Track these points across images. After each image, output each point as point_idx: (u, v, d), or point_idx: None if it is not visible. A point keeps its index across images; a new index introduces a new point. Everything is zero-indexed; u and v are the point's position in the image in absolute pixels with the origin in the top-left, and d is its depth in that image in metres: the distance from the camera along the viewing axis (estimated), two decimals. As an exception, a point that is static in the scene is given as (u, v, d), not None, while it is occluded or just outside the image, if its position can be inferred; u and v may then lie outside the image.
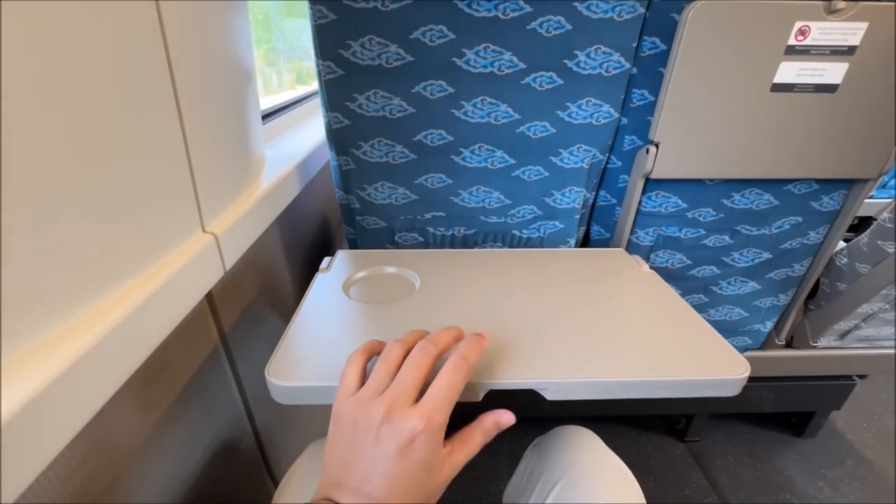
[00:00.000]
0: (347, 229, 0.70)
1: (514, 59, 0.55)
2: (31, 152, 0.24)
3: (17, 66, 0.22)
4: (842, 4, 0.52)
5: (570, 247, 0.72)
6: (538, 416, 1.01)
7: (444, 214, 0.66)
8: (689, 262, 0.74)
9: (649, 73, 0.58)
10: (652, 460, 1.03)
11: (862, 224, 0.95)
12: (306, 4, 0.51)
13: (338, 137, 0.60)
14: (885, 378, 1.27)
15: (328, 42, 0.53)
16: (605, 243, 0.75)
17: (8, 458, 0.21)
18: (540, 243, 0.70)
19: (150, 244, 0.34)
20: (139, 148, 0.32)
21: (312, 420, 0.79)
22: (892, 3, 0.53)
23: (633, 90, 0.60)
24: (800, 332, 0.87)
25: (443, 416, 0.29)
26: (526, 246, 0.71)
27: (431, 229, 0.68)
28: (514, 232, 0.69)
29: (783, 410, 1.05)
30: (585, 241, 0.77)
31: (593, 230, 0.75)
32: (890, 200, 0.82)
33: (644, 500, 0.39)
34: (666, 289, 0.53)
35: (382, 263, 0.58)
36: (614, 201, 0.71)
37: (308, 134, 0.82)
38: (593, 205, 0.73)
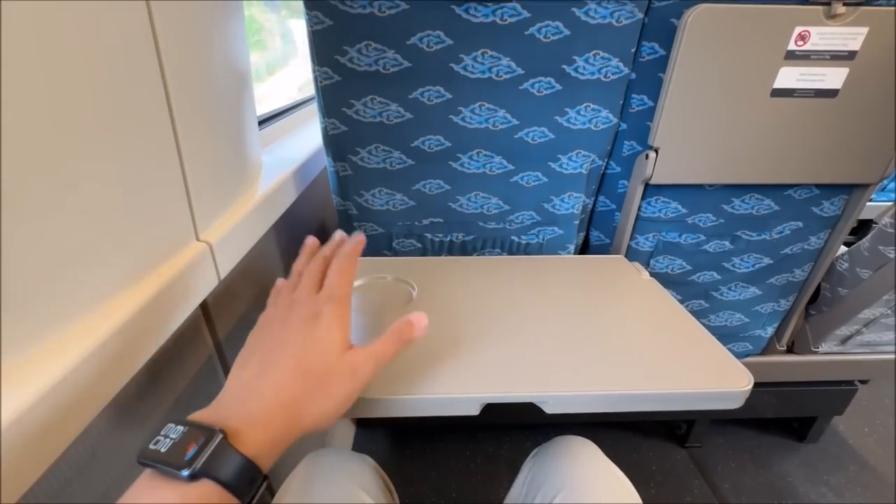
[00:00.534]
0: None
1: (513, 64, 0.55)
2: (22, 162, 0.23)
3: (7, 73, 0.22)
4: (842, 9, 0.52)
5: (569, 253, 0.72)
6: (537, 422, 1.01)
7: (442, 220, 0.66)
8: (689, 267, 0.74)
9: (648, 79, 0.58)
10: (653, 466, 1.02)
11: (862, 227, 0.95)
12: (302, 10, 0.50)
13: (335, 143, 0.59)
14: (887, 383, 1.27)
15: (325, 48, 0.52)
16: (604, 249, 0.74)
17: (8, 461, 0.21)
18: (539, 249, 0.70)
19: (142, 254, 0.34)
20: (130, 157, 0.32)
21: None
22: (893, 8, 0.52)
23: (633, 95, 0.60)
24: (801, 338, 0.87)
25: (341, 290, 0.31)
26: (525, 252, 0.70)
27: (429, 235, 0.67)
28: (513, 238, 0.69)
29: (785, 416, 1.04)
30: (585, 247, 0.77)
31: (593, 236, 0.75)
32: (890, 205, 0.81)
33: None
34: (667, 297, 0.52)
35: (380, 271, 0.58)
36: (613, 207, 0.70)
37: (305, 139, 0.82)
38: (592, 210, 0.72)
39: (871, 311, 0.77)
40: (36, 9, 0.24)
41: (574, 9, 0.51)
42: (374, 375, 0.30)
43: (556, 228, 0.68)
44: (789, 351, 0.89)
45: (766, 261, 0.73)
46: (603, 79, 0.56)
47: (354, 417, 0.98)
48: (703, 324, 0.79)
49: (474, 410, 0.35)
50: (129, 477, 0.30)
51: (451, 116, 0.58)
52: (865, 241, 0.74)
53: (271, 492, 0.60)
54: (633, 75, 0.58)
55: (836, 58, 0.54)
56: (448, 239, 0.68)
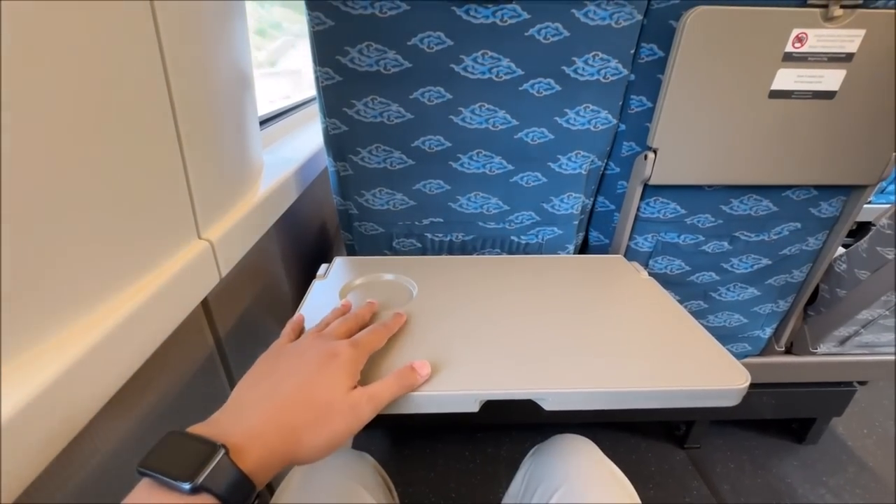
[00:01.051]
0: (345, 235, 0.70)
1: (512, 65, 0.55)
2: (26, 160, 0.24)
3: (12, 72, 0.22)
4: (839, 11, 0.52)
5: (568, 253, 0.72)
6: (537, 422, 1.01)
7: (442, 220, 0.66)
8: (688, 267, 0.74)
9: (647, 80, 0.58)
10: (652, 467, 1.02)
11: (860, 229, 0.95)
12: (304, 11, 0.51)
13: (336, 143, 0.60)
14: (886, 384, 1.27)
15: (326, 48, 0.53)
16: (603, 249, 0.74)
17: (7, 459, 0.21)
18: (538, 249, 0.70)
19: (144, 252, 0.34)
20: (133, 156, 0.32)
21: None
22: (889, 11, 0.53)
23: (632, 96, 0.60)
24: (799, 339, 0.87)
25: (367, 346, 0.34)
26: (524, 252, 0.70)
27: (430, 235, 0.68)
28: (513, 238, 0.69)
29: (784, 417, 1.04)
30: (584, 247, 0.77)
31: (592, 236, 0.75)
32: (888, 206, 0.82)
33: None
34: (665, 296, 0.53)
35: (380, 270, 0.58)
36: (613, 207, 0.70)
37: (306, 139, 0.82)
38: (591, 211, 0.73)
39: (870, 312, 0.77)
40: (40, 8, 0.24)
41: (574, 10, 0.52)
42: (372, 416, 0.31)
43: (555, 228, 0.69)
44: (788, 352, 0.89)
45: (765, 261, 0.74)
46: (602, 80, 0.57)
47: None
48: (702, 324, 0.79)
49: (474, 407, 0.36)
50: (130, 475, 0.30)
51: (452, 117, 0.58)
52: (864, 243, 0.74)
53: (270, 490, 0.60)
54: (633, 76, 0.58)
55: (834, 60, 0.55)
56: (448, 239, 0.68)
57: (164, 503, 0.22)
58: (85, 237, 0.28)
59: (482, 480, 0.97)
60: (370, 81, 0.55)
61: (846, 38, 0.54)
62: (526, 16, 0.52)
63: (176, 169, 0.37)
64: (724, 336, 0.83)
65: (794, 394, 0.96)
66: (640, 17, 0.53)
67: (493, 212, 0.66)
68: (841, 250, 0.79)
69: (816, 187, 0.67)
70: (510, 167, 0.63)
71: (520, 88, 0.57)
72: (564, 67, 0.55)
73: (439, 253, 0.69)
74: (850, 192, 0.68)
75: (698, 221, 0.69)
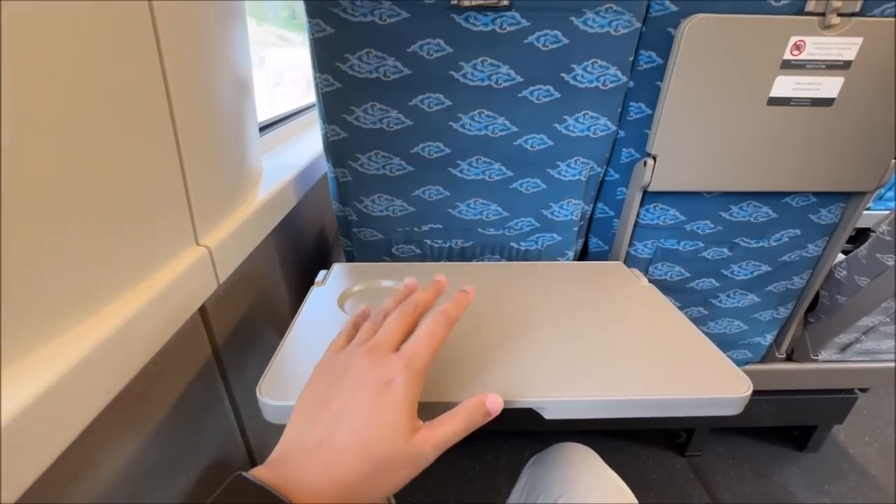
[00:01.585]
0: (344, 241, 0.69)
1: (512, 72, 0.55)
2: (24, 164, 0.24)
3: (12, 76, 0.22)
4: (836, 20, 0.53)
5: (567, 259, 0.72)
6: (537, 430, 1.00)
7: (441, 227, 0.66)
8: (687, 274, 0.74)
9: (646, 87, 0.58)
10: (652, 475, 1.01)
11: (859, 236, 0.95)
12: (304, 18, 0.51)
13: (335, 149, 0.60)
14: (887, 391, 1.26)
15: (326, 55, 0.53)
16: (603, 256, 0.74)
17: (6, 465, 0.21)
18: (538, 256, 0.70)
19: (142, 258, 0.34)
20: (131, 161, 0.32)
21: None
22: (887, 19, 0.53)
23: (631, 103, 0.60)
24: (800, 346, 0.87)
25: (422, 362, 0.29)
26: (524, 258, 0.70)
27: (429, 241, 0.67)
28: (512, 244, 0.69)
29: (785, 424, 1.04)
30: (583, 254, 0.77)
31: (591, 242, 0.75)
32: (887, 213, 0.82)
33: None
34: (665, 303, 0.52)
35: (379, 277, 0.58)
36: (612, 214, 0.70)
37: (305, 145, 0.82)
38: (591, 217, 0.73)
39: (870, 318, 0.77)
40: (39, 10, 0.24)
41: (573, 18, 0.52)
42: (434, 459, 0.29)
43: (554, 235, 0.69)
44: (789, 359, 0.88)
45: (765, 268, 0.74)
46: (601, 87, 0.57)
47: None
48: (703, 331, 0.79)
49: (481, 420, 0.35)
50: (125, 482, 0.30)
51: (451, 123, 0.58)
52: (863, 249, 0.74)
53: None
54: (631, 83, 0.59)
55: (832, 67, 0.55)
56: (447, 245, 0.68)
57: None
58: (82, 242, 0.28)
59: (481, 488, 0.96)
60: (370, 88, 0.55)
61: (844, 45, 0.54)
62: (525, 23, 0.52)
63: (174, 174, 0.37)
64: (725, 343, 0.83)
65: (795, 401, 0.96)
66: (638, 24, 0.54)
67: (492, 218, 0.66)
68: (841, 256, 0.79)
69: (816, 194, 0.67)
70: (509, 173, 0.63)
71: (519, 95, 0.57)
72: (563, 74, 0.56)
73: (438, 259, 0.69)
74: (850, 198, 0.68)
75: (698, 228, 0.69)
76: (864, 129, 0.60)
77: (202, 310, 0.44)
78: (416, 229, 0.66)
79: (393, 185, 0.62)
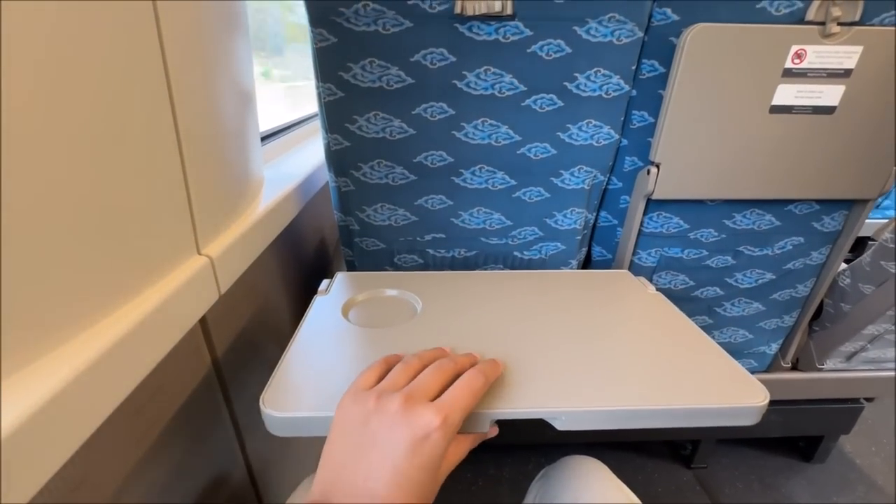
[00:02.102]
0: (346, 251, 0.69)
1: (515, 81, 0.55)
2: (25, 170, 0.23)
3: (12, 80, 0.22)
4: (836, 29, 0.53)
5: (571, 268, 0.71)
6: (540, 442, 0.98)
7: (444, 236, 0.65)
8: (692, 283, 0.73)
9: (649, 95, 0.59)
10: (659, 488, 1.00)
11: (858, 244, 0.95)
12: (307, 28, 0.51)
13: (337, 159, 0.59)
14: (892, 400, 1.25)
15: (329, 65, 0.53)
16: (606, 264, 0.74)
17: (6, 478, 0.21)
18: (541, 265, 0.70)
19: (142, 267, 0.33)
20: (135, 169, 0.31)
21: (309, 452, 0.76)
22: (886, 28, 0.53)
23: (633, 112, 0.60)
24: (805, 355, 0.86)
25: (459, 418, 0.29)
26: (527, 268, 0.70)
27: (431, 251, 0.67)
28: (516, 254, 0.68)
29: (791, 435, 1.02)
30: (587, 263, 0.76)
31: (595, 251, 0.75)
32: (886, 221, 0.82)
33: None
34: (674, 311, 0.52)
35: (383, 286, 0.57)
36: (615, 222, 0.70)
37: (307, 155, 0.82)
38: (594, 226, 0.72)
39: (875, 326, 0.76)
40: (45, 15, 0.24)
41: (575, 27, 0.52)
42: None
43: (558, 244, 0.68)
44: (794, 368, 0.88)
45: (769, 276, 0.73)
46: (604, 96, 0.57)
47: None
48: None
49: (484, 428, 0.34)
50: (126, 495, 0.28)
51: (454, 132, 0.58)
52: (867, 256, 0.74)
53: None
54: (634, 92, 0.59)
55: (833, 75, 0.55)
56: (450, 255, 0.67)
57: None
58: (81, 252, 0.27)
59: (485, 503, 0.94)
60: (373, 97, 0.55)
61: (844, 54, 0.54)
62: (528, 33, 0.52)
63: (176, 182, 0.36)
64: (731, 352, 0.81)
65: (802, 411, 0.94)
66: (640, 34, 0.54)
67: (495, 227, 0.66)
68: (844, 264, 0.78)
69: (818, 201, 0.67)
70: (513, 182, 0.62)
71: (522, 104, 0.57)
72: (566, 83, 0.56)
73: (441, 269, 0.69)
74: (852, 205, 0.68)
75: (702, 236, 0.69)
76: (865, 137, 0.60)
77: (202, 320, 0.43)
78: (418, 239, 0.66)
79: (395, 194, 0.62)
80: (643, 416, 0.35)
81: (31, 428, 0.22)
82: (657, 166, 0.60)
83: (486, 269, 0.70)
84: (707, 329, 0.79)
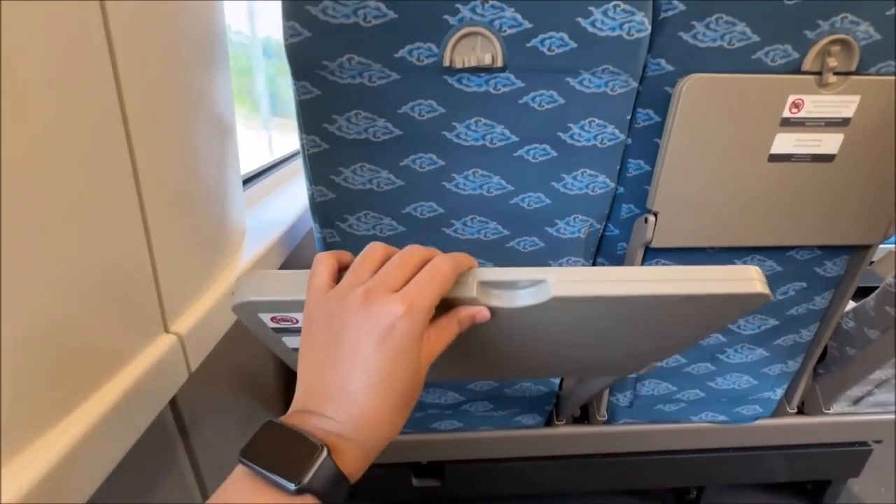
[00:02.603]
0: None
1: (507, 131, 0.53)
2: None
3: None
4: (833, 78, 0.52)
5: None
6: (538, 493, 0.94)
7: None
8: (693, 329, 0.71)
9: (645, 144, 0.57)
10: (664, 538, 0.95)
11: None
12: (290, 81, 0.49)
13: (322, 211, 0.57)
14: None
15: (313, 117, 0.51)
16: None
17: None
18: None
19: (100, 358, 0.30)
20: (83, 235, 0.28)
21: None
22: (884, 77, 0.53)
23: (629, 160, 0.59)
24: (811, 398, 0.83)
25: (427, 302, 0.26)
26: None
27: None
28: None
29: (799, 479, 0.99)
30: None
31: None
32: (887, 250, 0.80)
33: None
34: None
35: None
36: (613, 268, 0.68)
37: (293, 194, 0.79)
38: (591, 272, 0.70)
39: (883, 371, 0.74)
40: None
41: (568, 79, 0.51)
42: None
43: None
44: (800, 412, 0.85)
45: (772, 322, 0.71)
46: (599, 145, 0.55)
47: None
48: (710, 386, 0.75)
49: (469, 292, 0.29)
50: None
51: (444, 183, 0.56)
52: (871, 300, 0.72)
53: None
54: (630, 141, 0.57)
55: (831, 124, 0.54)
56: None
57: (268, 500, 0.22)
58: (26, 353, 0.24)
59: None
60: (359, 149, 0.53)
61: (842, 103, 0.53)
62: (520, 84, 0.51)
63: (138, 255, 0.33)
64: (734, 398, 0.79)
65: (809, 455, 0.91)
66: (635, 84, 0.52)
67: (488, 277, 0.63)
68: (850, 304, 0.76)
69: (820, 247, 0.65)
70: (506, 232, 0.60)
71: (515, 154, 0.55)
72: (560, 133, 0.54)
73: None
74: (854, 250, 0.66)
75: (702, 283, 0.67)
76: (865, 184, 0.59)
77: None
78: None
79: None
80: (643, 281, 0.29)
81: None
82: (655, 215, 0.58)
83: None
84: (710, 376, 0.76)
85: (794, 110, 0.53)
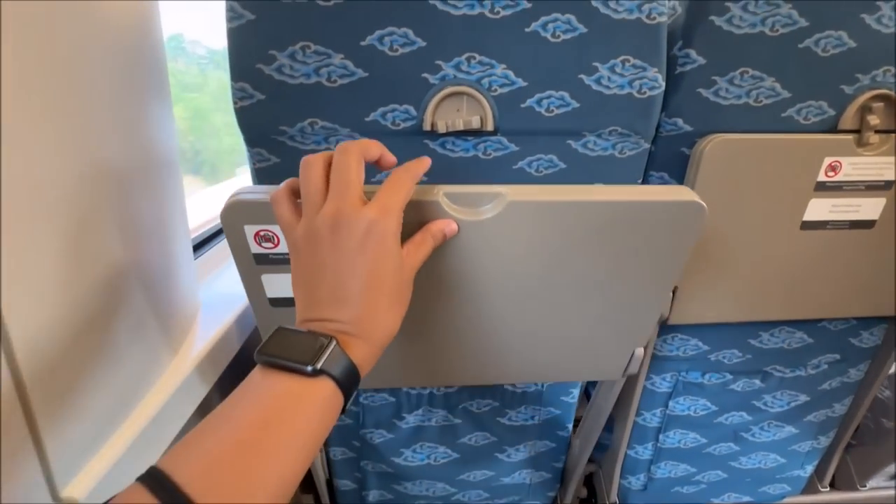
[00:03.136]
0: None
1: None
2: None
3: None
4: (874, 138, 0.45)
5: (573, 397, 0.60)
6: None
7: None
8: (714, 408, 0.62)
9: (658, 210, 0.50)
10: None
11: None
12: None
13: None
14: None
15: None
16: None
17: None
18: (538, 398, 0.58)
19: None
20: None
21: None
22: (931, 136, 0.46)
23: None
24: (843, 472, 0.75)
25: (396, 202, 0.29)
26: (521, 400, 0.58)
27: (406, 389, 0.55)
28: (507, 387, 0.57)
29: None
30: (591, 385, 0.65)
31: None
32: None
33: None
34: None
35: None
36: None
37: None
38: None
39: (925, 448, 0.66)
40: None
41: (570, 141, 0.43)
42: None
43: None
44: (832, 486, 0.76)
45: (803, 398, 0.63)
46: None
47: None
48: (734, 467, 0.67)
49: (436, 196, 0.33)
50: None
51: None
52: (909, 369, 0.65)
53: None
54: None
55: (872, 188, 0.47)
56: (427, 391, 0.56)
57: (288, 384, 0.25)
58: None
59: None
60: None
61: (884, 164, 0.46)
62: (514, 148, 0.43)
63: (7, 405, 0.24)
64: (760, 478, 0.70)
65: (841, 531, 0.82)
66: (647, 145, 0.45)
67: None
68: None
69: (856, 317, 0.58)
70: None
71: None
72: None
73: (417, 408, 0.57)
74: (894, 319, 0.59)
75: (724, 358, 0.59)
76: (908, 250, 0.51)
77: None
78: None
79: None
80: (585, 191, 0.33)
81: None
82: (673, 290, 0.51)
83: (471, 403, 0.58)
84: (733, 456, 0.67)
85: (831, 174, 0.46)
